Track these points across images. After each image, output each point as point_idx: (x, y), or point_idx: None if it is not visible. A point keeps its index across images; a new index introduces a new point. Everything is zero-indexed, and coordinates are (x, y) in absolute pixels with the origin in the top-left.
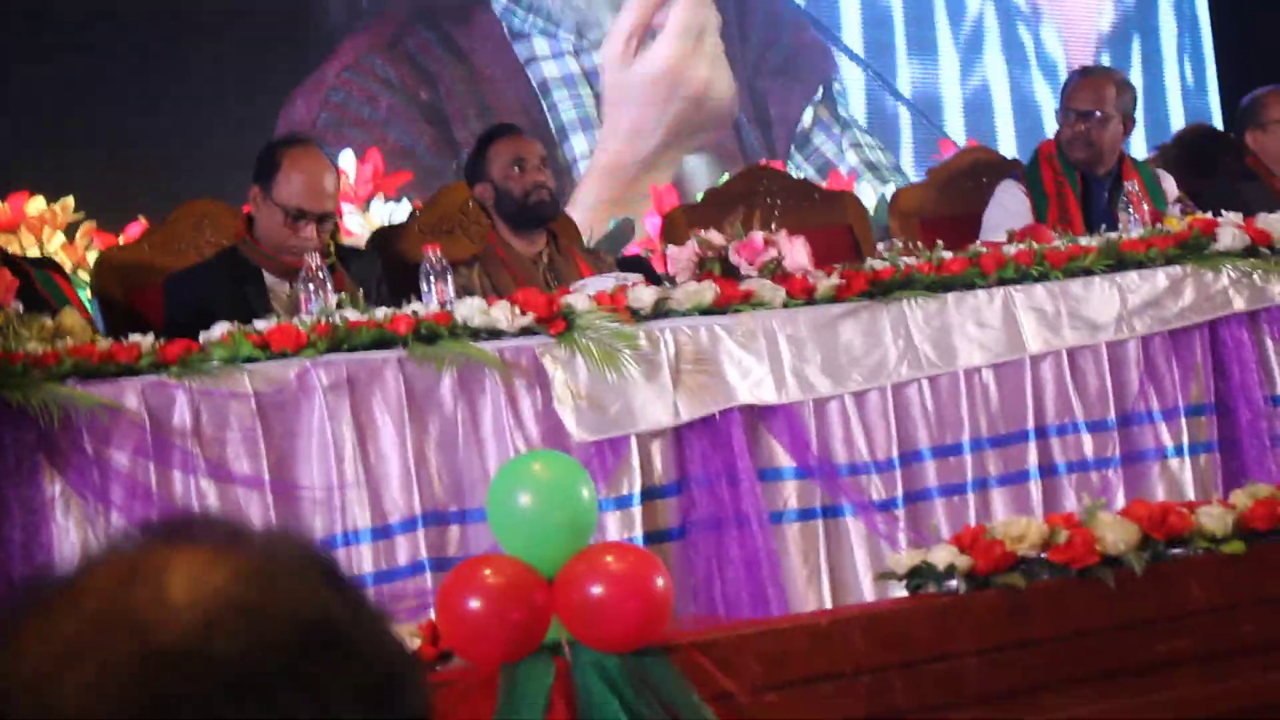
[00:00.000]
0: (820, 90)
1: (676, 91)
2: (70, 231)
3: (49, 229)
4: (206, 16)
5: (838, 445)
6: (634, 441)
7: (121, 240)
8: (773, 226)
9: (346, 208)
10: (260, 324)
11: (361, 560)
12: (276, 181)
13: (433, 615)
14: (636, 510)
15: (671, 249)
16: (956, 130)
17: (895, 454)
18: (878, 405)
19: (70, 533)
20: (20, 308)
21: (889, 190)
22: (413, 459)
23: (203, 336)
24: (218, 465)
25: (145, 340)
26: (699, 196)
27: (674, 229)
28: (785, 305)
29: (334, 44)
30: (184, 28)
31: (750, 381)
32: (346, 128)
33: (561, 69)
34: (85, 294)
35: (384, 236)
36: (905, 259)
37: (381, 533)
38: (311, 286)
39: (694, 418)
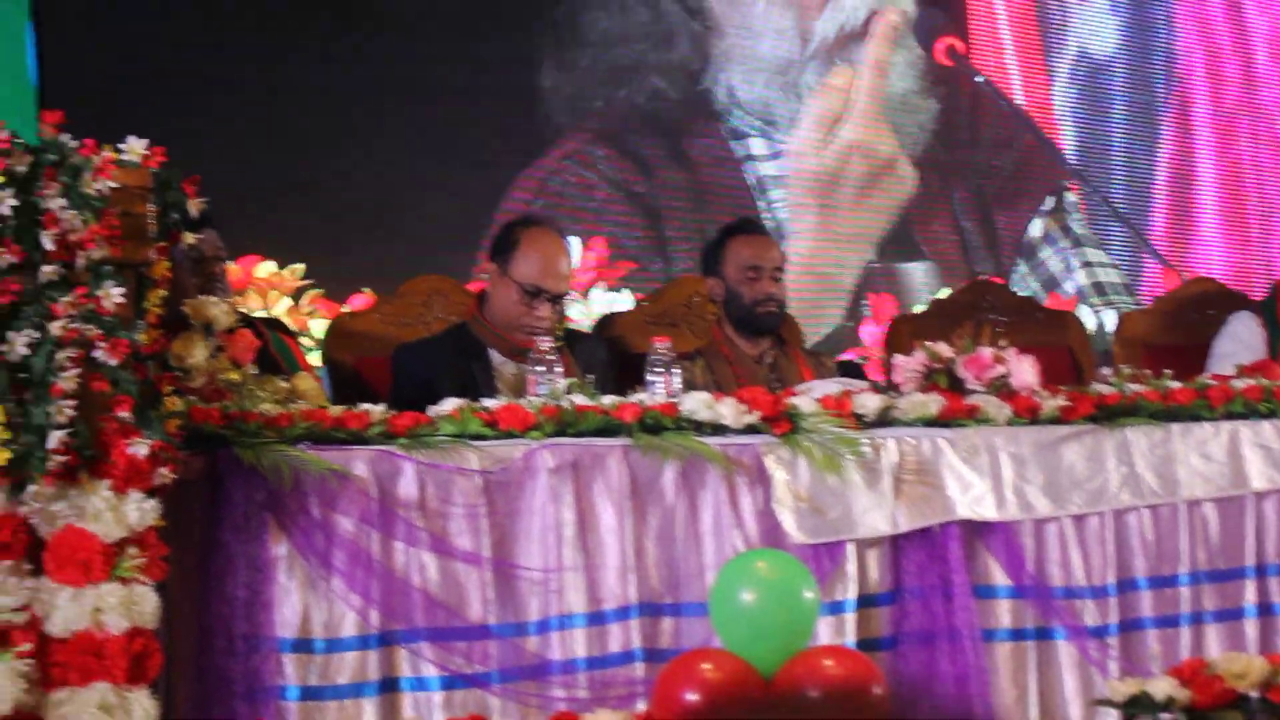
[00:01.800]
0: (1051, 200)
1: (875, 175)
2: (295, 297)
3: (275, 293)
4: (439, 95)
5: (1054, 567)
6: (851, 548)
7: (346, 309)
8: (1000, 343)
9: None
10: (489, 402)
11: (574, 645)
12: (514, 259)
13: (642, 705)
14: (850, 617)
15: (898, 358)
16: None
17: (1112, 580)
18: (1096, 530)
19: (293, 594)
20: (255, 369)
21: (1108, 317)
22: (632, 547)
23: (432, 410)
24: (440, 539)
25: (376, 410)
26: (915, 307)
27: (897, 337)
28: (1009, 423)
29: (559, 133)
30: (416, 104)
31: (970, 496)
32: (561, 216)
33: (779, 168)
34: (313, 358)
35: (609, 323)
36: (1131, 385)
37: (596, 618)
38: (541, 368)
39: (913, 528)
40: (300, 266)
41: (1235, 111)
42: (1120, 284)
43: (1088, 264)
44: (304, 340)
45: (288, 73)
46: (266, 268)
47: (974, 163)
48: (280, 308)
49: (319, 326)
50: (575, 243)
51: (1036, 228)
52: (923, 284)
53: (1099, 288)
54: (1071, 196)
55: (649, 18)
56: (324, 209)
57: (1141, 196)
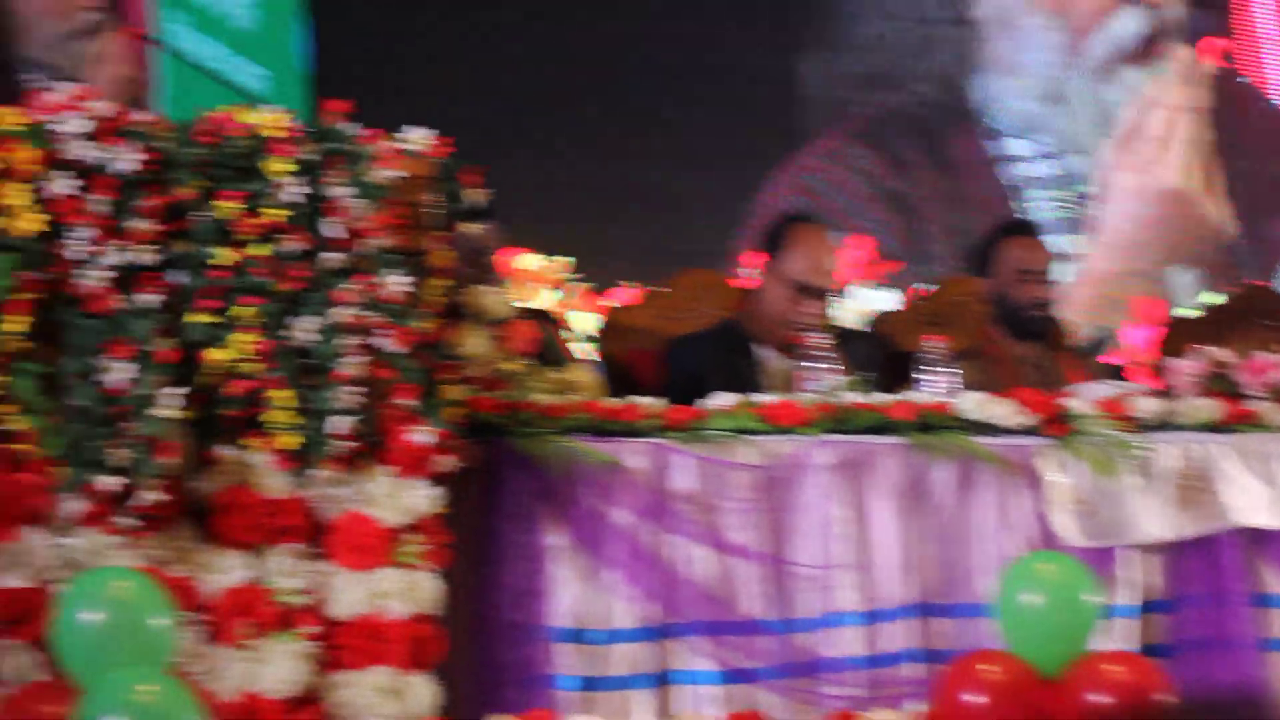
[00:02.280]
0: None
1: (1174, 209)
2: (559, 290)
3: (536, 284)
4: (700, 86)
5: None
6: (1125, 553)
7: (612, 303)
8: (1276, 348)
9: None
10: (761, 398)
11: (848, 642)
12: (784, 255)
13: (916, 705)
14: (1123, 622)
15: (1173, 361)
16: None
17: None
18: None
19: (567, 584)
20: (533, 361)
21: None
22: (908, 547)
23: (706, 404)
24: (713, 532)
25: (651, 403)
26: (1179, 311)
27: (1173, 341)
28: None
29: (817, 133)
30: (678, 96)
31: (1249, 503)
32: (832, 189)
33: (1040, 169)
34: (575, 349)
35: (881, 321)
36: None
37: (872, 616)
38: (812, 364)
39: (1192, 534)
40: (567, 259)
41: None
42: None
43: None
44: (563, 333)
45: (552, 68)
46: (532, 260)
47: (1237, 168)
48: (542, 300)
49: (579, 320)
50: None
51: None
52: (1185, 287)
53: None
54: None
55: (915, 23)
56: (584, 201)
57: None
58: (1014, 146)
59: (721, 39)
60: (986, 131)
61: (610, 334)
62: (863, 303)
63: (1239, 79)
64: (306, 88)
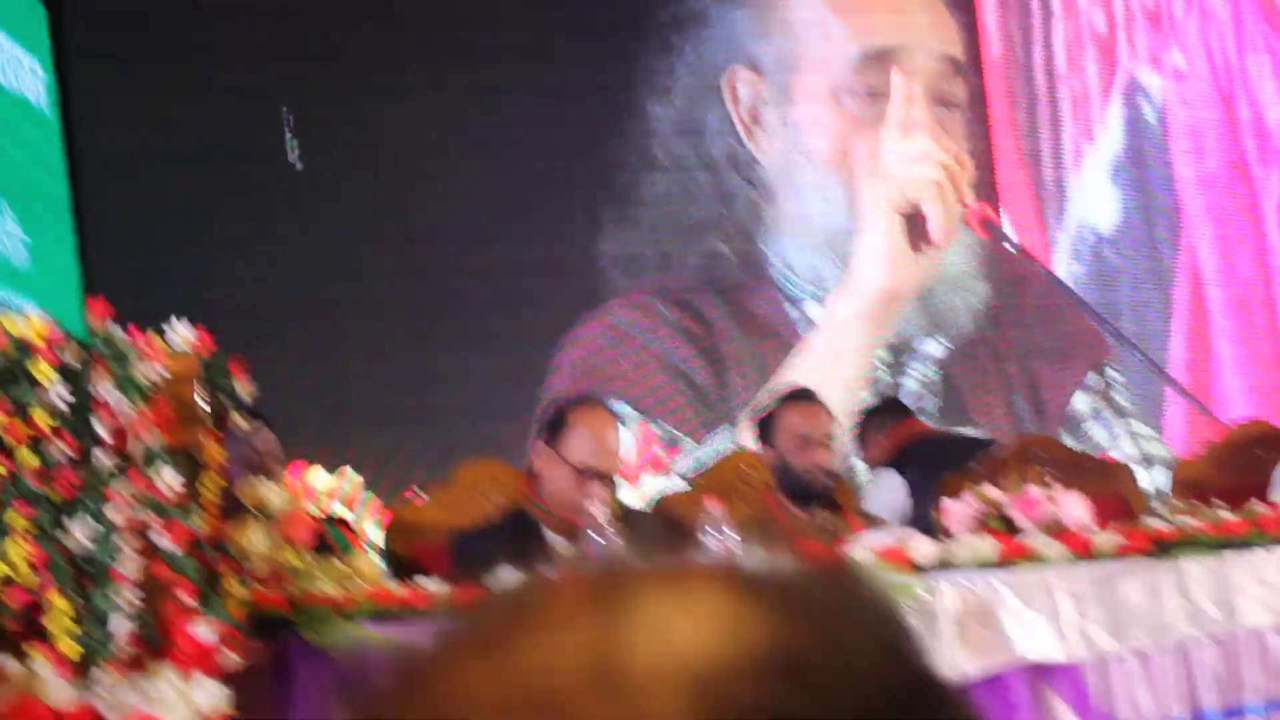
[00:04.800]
0: (1093, 375)
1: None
2: (353, 504)
3: (336, 500)
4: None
5: (1122, 704)
6: None
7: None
8: (1047, 481)
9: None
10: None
11: None
12: (564, 438)
13: None
14: None
15: (949, 503)
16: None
17: (1183, 713)
18: (1161, 664)
19: None
20: (314, 554)
21: (1159, 475)
22: None
23: (493, 585)
24: None
25: (437, 586)
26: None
27: (947, 487)
28: (1065, 561)
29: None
30: (446, 290)
31: (1032, 637)
32: (623, 356)
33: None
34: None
35: (662, 502)
36: (1184, 518)
37: None
38: (597, 538)
39: (976, 674)
40: (350, 471)
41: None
42: (1168, 457)
43: (1132, 433)
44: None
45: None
46: (319, 477)
47: (1016, 340)
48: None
49: (373, 531)
50: (625, 434)
51: (1081, 401)
52: None
53: (1147, 459)
54: (1115, 372)
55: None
56: (367, 410)
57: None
58: (810, 310)
59: (510, 212)
60: (785, 295)
61: (396, 532)
62: (648, 490)
63: (1005, 243)
64: (80, 289)
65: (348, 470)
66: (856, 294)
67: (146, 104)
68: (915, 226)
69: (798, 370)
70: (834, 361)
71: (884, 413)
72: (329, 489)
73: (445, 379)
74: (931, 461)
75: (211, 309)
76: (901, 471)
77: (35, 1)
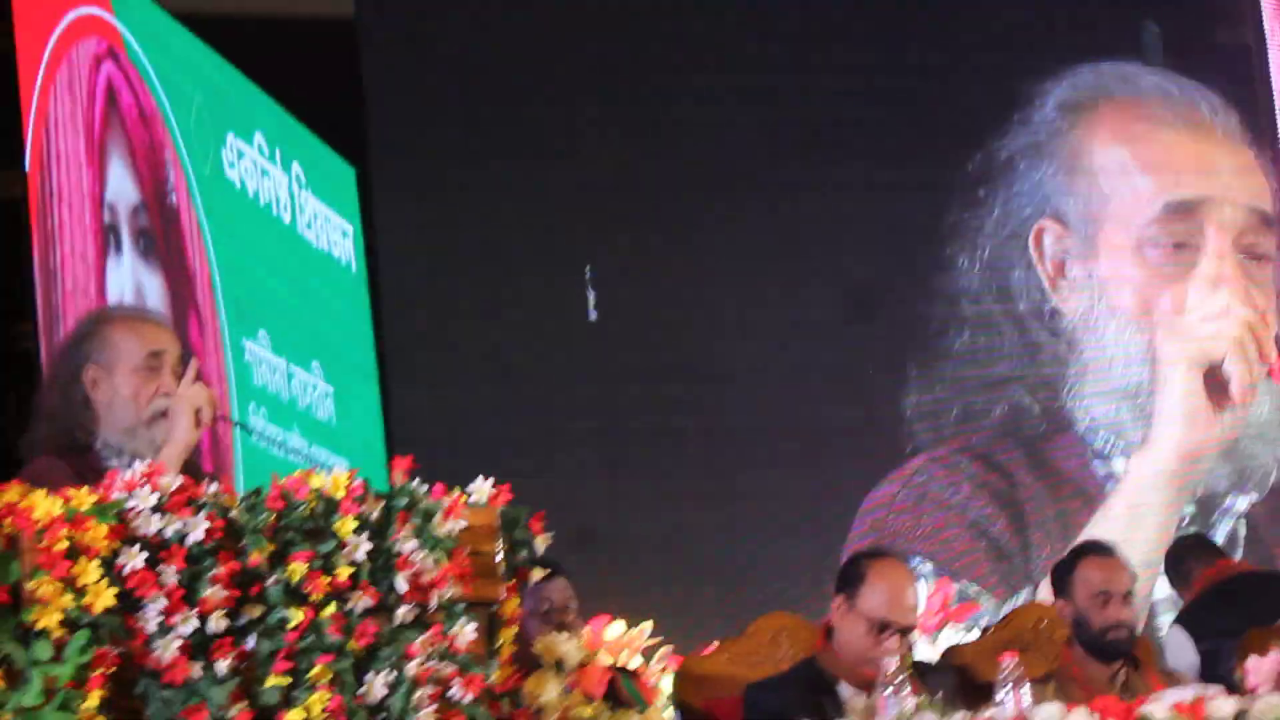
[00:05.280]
0: None
1: None
2: (648, 655)
3: (627, 651)
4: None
5: None
6: None
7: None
8: None
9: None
10: None
11: None
12: (862, 593)
13: None
14: None
15: (1252, 660)
16: None
17: None
18: None
19: None
20: (608, 706)
21: None
22: None
23: None
24: None
25: None
26: None
27: (1252, 643)
28: None
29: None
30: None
31: None
32: (924, 514)
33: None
34: (661, 704)
35: (954, 652)
36: None
37: None
38: (890, 691)
39: None
40: (648, 624)
41: None
42: None
43: None
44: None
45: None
46: (616, 629)
47: None
48: (632, 666)
49: (667, 684)
50: (921, 588)
51: None
52: None
53: None
54: None
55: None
56: (667, 562)
57: None
58: (1116, 466)
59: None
60: (1092, 449)
61: (686, 683)
62: (944, 646)
63: None
64: (382, 451)
65: (646, 625)
66: (1159, 453)
67: (448, 260)
68: (1217, 384)
69: (1100, 528)
70: (1136, 520)
71: (1196, 550)
72: (624, 640)
73: (744, 533)
74: (1244, 599)
75: (507, 462)
76: (1211, 610)
77: (345, 164)
